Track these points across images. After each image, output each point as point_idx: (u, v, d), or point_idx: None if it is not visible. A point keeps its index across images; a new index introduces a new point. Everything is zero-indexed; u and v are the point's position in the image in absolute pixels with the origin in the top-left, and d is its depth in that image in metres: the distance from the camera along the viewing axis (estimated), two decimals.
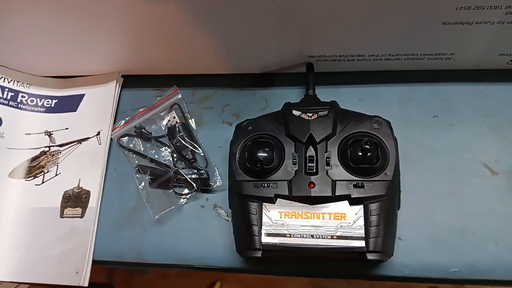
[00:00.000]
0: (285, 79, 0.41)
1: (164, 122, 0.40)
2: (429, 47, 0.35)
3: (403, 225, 0.34)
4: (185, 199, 0.38)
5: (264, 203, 0.32)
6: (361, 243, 0.30)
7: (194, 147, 0.39)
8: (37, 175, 0.41)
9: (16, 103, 0.43)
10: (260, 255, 0.31)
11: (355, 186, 0.31)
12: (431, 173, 0.36)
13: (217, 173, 0.38)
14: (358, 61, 0.38)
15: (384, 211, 0.31)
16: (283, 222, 0.32)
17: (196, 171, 0.38)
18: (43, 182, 0.41)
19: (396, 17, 0.32)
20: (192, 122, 0.40)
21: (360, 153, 0.31)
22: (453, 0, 0.29)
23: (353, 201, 0.31)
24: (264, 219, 0.32)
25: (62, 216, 0.39)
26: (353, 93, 0.39)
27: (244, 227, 0.32)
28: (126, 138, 0.41)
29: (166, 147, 0.40)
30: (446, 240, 0.34)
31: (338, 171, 0.32)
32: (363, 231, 0.31)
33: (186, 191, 0.38)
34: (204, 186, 0.38)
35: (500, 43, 0.34)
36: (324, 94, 0.37)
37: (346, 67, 0.39)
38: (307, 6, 0.31)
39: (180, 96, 0.41)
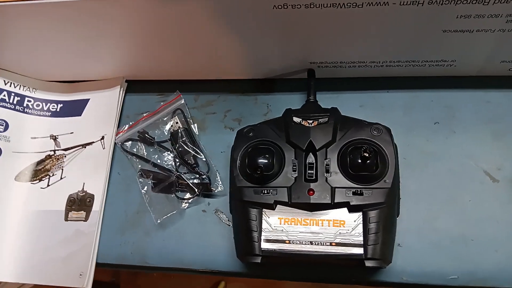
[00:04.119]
0: (287, 85, 0.41)
1: (167, 127, 0.41)
2: (431, 54, 0.35)
3: (403, 232, 0.34)
4: (187, 204, 0.38)
5: (264, 209, 0.32)
6: (360, 250, 0.30)
7: (196, 152, 0.39)
8: (43, 179, 0.42)
9: (22, 108, 0.44)
10: (259, 261, 0.32)
11: (354, 193, 0.31)
12: (432, 180, 0.36)
13: (219, 178, 0.39)
14: (359, 67, 0.38)
15: (383, 219, 0.31)
16: (283, 229, 0.32)
17: (198, 176, 0.39)
18: (48, 186, 0.41)
19: (397, 26, 0.32)
20: (194, 127, 0.41)
21: (359, 161, 0.31)
22: (453, 8, 0.29)
23: (352, 208, 0.31)
24: (264, 225, 0.32)
25: (66, 219, 0.40)
26: (354, 99, 0.39)
27: (244, 233, 0.33)
28: (130, 142, 0.41)
29: (169, 152, 0.40)
30: (446, 247, 0.34)
31: (338, 178, 0.32)
32: (361, 238, 0.31)
33: (188, 195, 0.38)
34: (205, 191, 0.38)
35: (501, 50, 0.34)
36: (326, 100, 0.38)
37: (347, 73, 0.39)
38: (309, 15, 0.31)
39: (183, 102, 0.41)
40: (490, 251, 0.33)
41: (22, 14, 0.34)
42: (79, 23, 0.35)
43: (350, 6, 0.30)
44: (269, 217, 0.32)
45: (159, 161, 0.40)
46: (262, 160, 0.33)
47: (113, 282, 1.11)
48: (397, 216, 0.33)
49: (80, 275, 0.37)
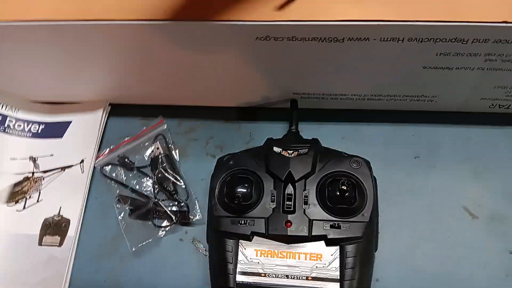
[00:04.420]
0: (270, 114, 0.41)
1: (148, 152, 0.40)
2: (411, 90, 0.36)
3: (381, 266, 0.34)
4: (164, 232, 0.37)
5: (240, 240, 0.32)
6: (336, 286, 0.30)
7: (176, 178, 0.39)
8: (19, 201, 0.41)
9: (4, 127, 0.43)
10: None
11: (331, 226, 0.31)
12: (412, 214, 0.36)
13: (197, 206, 0.38)
14: (341, 99, 0.38)
15: (360, 253, 0.30)
16: (259, 261, 0.31)
17: (176, 203, 0.38)
18: (24, 208, 0.40)
19: (377, 61, 0.32)
20: (175, 154, 0.40)
21: (338, 193, 0.31)
22: (433, 46, 0.30)
23: (329, 242, 0.31)
24: (240, 257, 0.32)
25: (40, 243, 0.39)
26: (336, 130, 0.39)
27: (219, 264, 0.32)
28: (110, 167, 0.41)
29: (148, 178, 0.40)
30: (424, 283, 0.33)
31: (316, 211, 0.32)
32: (338, 273, 0.30)
33: (165, 223, 0.38)
34: (183, 219, 0.37)
35: (481, 88, 0.34)
36: (308, 130, 0.38)
37: (330, 104, 0.39)
38: (291, 47, 0.32)
39: (165, 127, 0.41)
40: (468, 287, 0.32)
41: (5, 35, 0.34)
42: (63, 46, 0.35)
43: (331, 40, 0.30)
44: (245, 249, 0.32)
45: (137, 187, 0.39)
46: (240, 190, 0.33)
47: None
48: (375, 251, 0.33)
49: None
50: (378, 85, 0.36)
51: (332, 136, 0.38)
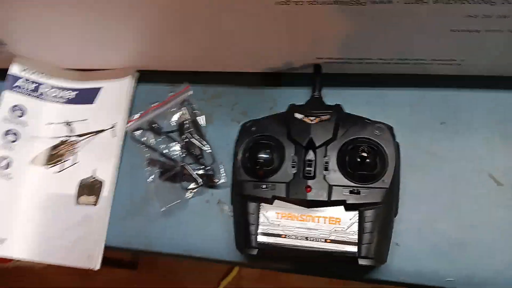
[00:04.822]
0: (293, 79, 0.41)
1: (175, 118, 0.42)
2: (438, 53, 0.35)
3: (402, 231, 0.34)
4: (191, 194, 0.39)
5: (262, 203, 0.33)
6: (354, 248, 0.31)
7: (202, 143, 0.40)
8: (56, 163, 0.43)
9: (38, 94, 0.45)
10: (255, 253, 0.32)
11: (351, 192, 0.32)
12: (435, 181, 0.35)
13: (223, 170, 0.39)
14: (366, 64, 0.37)
15: (379, 219, 0.31)
16: (279, 223, 0.33)
17: (202, 167, 0.40)
18: (61, 170, 0.43)
19: (403, 24, 0.31)
20: (201, 119, 0.41)
21: (358, 160, 0.32)
22: (460, 8, 0.29)
23: (348, 207, 0.32)
24: (261, 218, 0.33)
25: (77, 203, 0.42)
26: (360, 95, 0.39)
27: (242, 225, 0.33)
28: (139, 131, 0.42)
29: (176, 142, 0.41)
30: (444, 250, 0.34)
31: (336, 176, 0.32)
32: (356, 236, 0.31)
33: (192, 185, 0.39)
34: (209, 182, 0.39)
35: (511, 51, 0.33)
36: (331, 95, 0.38)
37: (354, 69, 0.38)
38: (312, 11, 0.31)
39: (191, 93, 0.42)
40: (488, 256, 0.33)
41: (39, 1, 0.35)
42: (94, 13, 0.36)
43: (352, 4, 0.30)
44: (266, 211, 0.33)
45: (166, 151, 0.41)
46: (262, 155, 0.34)
47: (132, 262, 1.15)
48: (395, 216, 0.33)
49: (88, 256, 0.39)
50: (404, 48, 0.35)
51: (356, 101, 0.38)
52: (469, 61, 0.35)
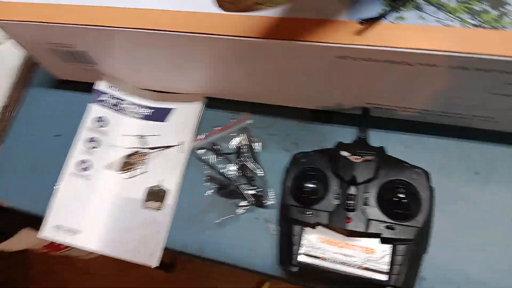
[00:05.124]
0: (343, 118, 0.46)
1: (234, 142, 0.48)
2: (477, 110, 0.38)
3: (430, 268, 0.38)
4: (243, 210, 0.45)
5: (305, 227, 0.38)
6: (384, 277, 0.35)
7: (256, 167, 0.46)
8: (128, 170, 0.50)
9: (119, 109, 0.53)
10: (296, 270, 0.37)
11: (387, 227, 0.36)
12: (465, 225, 0.39)
13: (272, 192, 0.44)
14: (410, 113, 0.42)
15: (409, 254, 0.35)
16: (320, 247, 0.37)
17: (254, 188, 0.45)
18: (132, 177, 0.50)
19: (445, 84, 0.36)
20: (257, 145, 0.47)
21: (395, 199, 0.36)
22: (497, 76, 0.33)
23: (383, 240, 0.36)
24: (304, 241, 0.38)
25: (144, 207, 0.48)
26: (401, 139, 0.43)
27: (286, 244, 0.38)
28: (203, 150, 0.48)
29: (233, 164, 0.47)
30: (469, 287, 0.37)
31: (374, 212, 0.36)
32: (387, 267, 0.35)
33: (244, 203, 0.45)
34: (259, 202, 0.44)
35: None
36: (376, 136, 0.42)
37: (398, 115, 0.43)
38: (366, 66, 0.36)
39: (250, 121, 0.48)
40: None
41: (128, 37, 0.42)
42: (175, 50, 0.43)
43: (402, 63, 0.34)
44: (309, 235, 0.38)
45: (224, 170, 0.47)
46: (309, 185, 0.38)
47: (171, 264, 1.22)
48: (424, 253, 0.37)
49: (150, 254, 0.45)
50: (445, 104, 0.39)
51: (396, 144, 0.42)
52: (506, 120, 0.38)
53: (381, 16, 0.34)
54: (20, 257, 1.16)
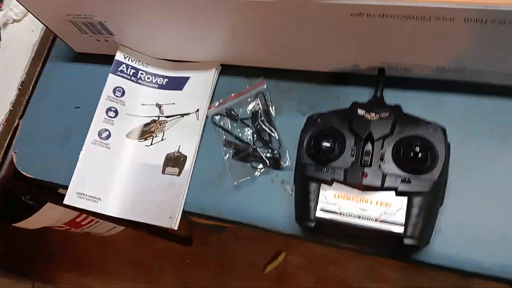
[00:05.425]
0: (357, 80, 0.46)
1: (250, 107, 0.48)
2: (495, 66, 0.38)
3: (446, 220, 0.38)
4: (259, 173, 0.46)
5: (322, 184, 0.39)
6: (400, 229, 0.36)
7: (272, 130, 0.46)
8: (147, 138, 0.52)
9: (136, 79, 0.54)
10: (313, 226, 0.38)
11: (402, 181, 0.36)
12: (481, 181, 0.39)
13: (288, 154, 0.45)
14: (426, 70, 0.42)
15: (425, 206, 0.36)
16: (336, 202, 0.38)
17: (270, 150, 0.46)
18: (151, 144, 0.51)
19: (462, 39, 0.36)
20: (272, 110, 0.48)
21: (411, 154, 0.36)
22: None
23: (398, 193, 0.36)
24: (321, 197, 0.38)
25: (163, 172, 0.49)
26: (418, 98, 0.43)
27: (303, 201, 0.39)
28: (218, 116, 0.49)
29: (249, 128, 0.48)
30: (483, 239, 0.37)
31: (389, 166, 0.37)
32: (403, 219, 0.36)
33: (260, 166, 0.46)
34: (275, 164, 0.45)
35: None
36: (392, 97, 0.42)
37: (415, 74, 0.43)
38: (382, 23, 0.36)
39: (265, 87, 0.48)
40: None
41: (147, 3, 0.43)
42: (190, 16, 0.43)
43: (419, 19, 0.34)
44: (325, 191, 0.38)
45: (240, 134, 0.48)
46: (325, 143, 0.39)
47: (188, 238, 1.25)
48: (440, 206, 0.38)
49: (170, 217, 0.47)
50: (462, 60, 0.39)
51: (413, 104, 0.42)
52: None
53: None
54: (42, 234, 1.20)
